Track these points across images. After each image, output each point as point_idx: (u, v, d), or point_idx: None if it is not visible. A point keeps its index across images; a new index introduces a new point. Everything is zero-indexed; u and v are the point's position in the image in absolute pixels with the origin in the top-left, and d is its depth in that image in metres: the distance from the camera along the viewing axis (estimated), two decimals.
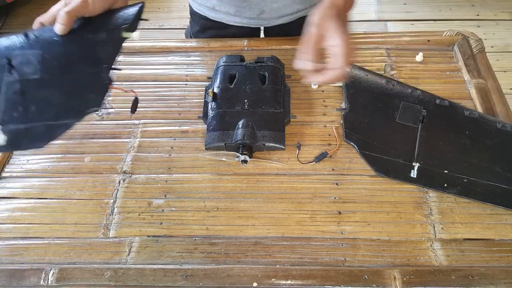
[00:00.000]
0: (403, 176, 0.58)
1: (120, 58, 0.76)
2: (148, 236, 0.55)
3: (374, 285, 0.49)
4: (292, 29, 0.80)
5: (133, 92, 0.57)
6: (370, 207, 0.56)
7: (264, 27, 0.84)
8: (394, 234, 0.54)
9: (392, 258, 0.52)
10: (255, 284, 0.50)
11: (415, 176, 0.57)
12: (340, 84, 0.68)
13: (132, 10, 0.55)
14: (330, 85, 0.69)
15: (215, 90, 0.64)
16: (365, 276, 0.50)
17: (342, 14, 0.52)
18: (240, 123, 0.60)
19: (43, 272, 0.51)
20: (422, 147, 0.59)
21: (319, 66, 0.52)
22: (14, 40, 0.54)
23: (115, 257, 0.53)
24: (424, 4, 1.92)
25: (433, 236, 0.53)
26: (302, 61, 0.52)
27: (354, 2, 0.55)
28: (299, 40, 0.76)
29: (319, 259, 0.52)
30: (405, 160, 0.59)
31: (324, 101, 0.68)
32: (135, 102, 0.55)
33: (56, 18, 0.52)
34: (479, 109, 0.65)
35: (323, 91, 0.69)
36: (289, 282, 0.50)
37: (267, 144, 0.59)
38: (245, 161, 0.60)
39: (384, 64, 0.72)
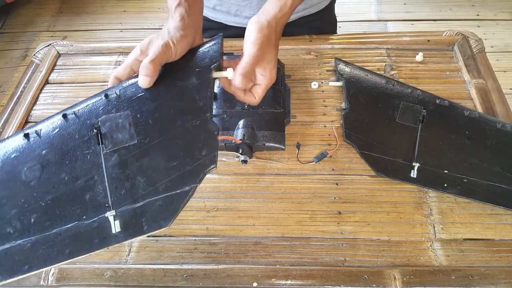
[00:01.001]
0: (403, 176, 0.58)
1: (119, 58, 0.76)
2: (148, 236, 0.55)
3: (374, 285, 0.49)
4: (292, 29, 0.80)
5: (237, 141, 0.54)
6: (370, 207, 0.56)
7: None
8: (394, 234, 0.54)
9: (392, 258, 0.52)
10: (255, 284, 0.50)
11: (415, 176, 0.57)
12: (340, 84, 0.68)
13: (215, 47, 0.49)
14: (330, 84, 0.69)
15: (215, 90, 0.64)
16: (365, 276, 0.50)
17: (279, 37, 0.54)
18: (240, 123, 0.60)
19: (43, 272, 0.51)
20: (422, 147, 0.59)
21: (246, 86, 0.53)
22: (93, 103, 0.46)
23: (115, 257, 0.53)
24: (424, 4, 1.92)
25: (433, 236, 0.53)
26: (239, 78, 0.49)
27: (290, 15, 0.56)
28: (300, 40, 0.76)
29: (319, 259, 0.52)
30: (405, 160, 0.59)
31: (324, 101, 0.68)
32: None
33: (139, 70, 0.46)
34: (479, 109, 0.65)
35: (323, 91, 0.69)
36: (289, 282, 0.50)
37: (267, 144, 0.59)
38: (245, 161, 0.59)
39: (384, 64, 0.72)
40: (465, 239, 0.53)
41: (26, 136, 0.45)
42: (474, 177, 0.57)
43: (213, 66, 0.48)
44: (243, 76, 0.49)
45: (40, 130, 0.45)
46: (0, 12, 1.97)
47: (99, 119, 0.45)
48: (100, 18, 1.96)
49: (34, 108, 0.70)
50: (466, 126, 0.62)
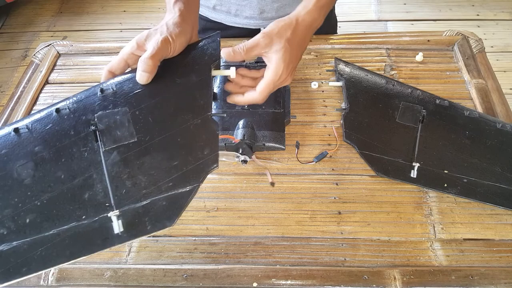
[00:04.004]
0: (403, 176, 0.58)
1: None
2: (148, 236, 0.55)
3: (374, 285, 0.49)
4: None
5: (235, 140, 0.53)
6: (370, 207, 0.56)
7: (264, 28, 0.84)
8: (394, 234, 0.54)
9: (392, 258, 0.52)
10: (255, 284, 0.50)
11: (415, 176, 0.57)
12: (340, 84, 0.68)
13: (214, 45, 0.48)
14: (330, 84, 0.69)
15: (215, 90, 0.64)
16: (365, 276, 0.50)
17: (302, 35, 0.50)
18: (240, 123, 0.60)
19: (43, 272, 0.51)
20: (422, 147, 0.59)
21: (244, 83, 0.52)
22: (87, 97, 0.44)
23: (115, 257, 0.53)
24: (424, 4, 1.92)
25: (433, 236, 0.53)
26: (230, 58, 0.49)
27: (322, 21, 0.54)
28: None
29: (319, 259, 0.52)
30: (405, 160, 0.59)
31: (324, 101, 0.68)
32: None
33: (138, 65, 0.44)
34: (479, 109, 0.65)
35: (323, 91, 0.69)
36: (289, 282, 0.50)
37: (267, 144, 0.59)
38: (245, 161, 0.59)
39: (384, 64, 0.72)
40: (465, 239, 0.53)
41: (16, 131, 0.42)
42: (474, 177, 0.57)
43: (213, 64, 0.47)
44: (240, 50, 0.48)
45: (31, 124, 0.43)
46: (0, 12, 1.97)
47: (96, 115, 0.42)
48: (100, 18, 1.96)
49: (34, 108, 0.70)
50: (466, 126, 0.62)
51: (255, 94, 0.50)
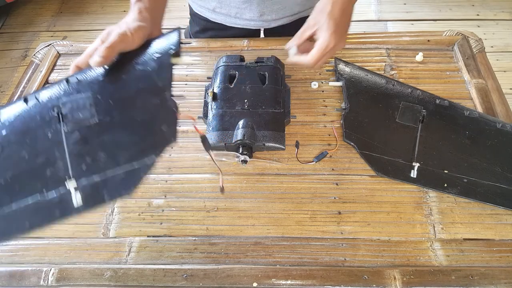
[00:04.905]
0: (403, 176, 0.58)
1: None
2: (148, 236, 0.55)
3: (374, 285, 0.49)
4: (292, 30, 0.80)
5: (193, 119, 0.55)
6: (370, 207, 0.56)
7: (263, 28, 0.84)
8: (394, 234, 0.54)
9: (392, 258, 0.52)
10: (255, 284, 0.50)
11: (415, 176, 0.57)
12: (340, 84, 0.68)
13: (174, 36, 0.52)
14: (330, 84, 0.69)
15: (215, 90, 0.64)
16: (365, 276, 0.50)
17: (342, 5, 0.56)
18: (240, 123, 0.60)
19: (43, 272, 0.51)
20: (422, 147, 0.59)
21: (302, 49, 0.58)
22: (55, 89, 0.48)
23: (115, 257, 0.53)
24: (424, 4, 1.92)
25: (433, 236, 0.53)
26: (289, 42, 0.59)
27: None
28: None
29: (319, 259, 0.52)
30: (405, 160, 0.59)
31: (324, 101, 0.68)
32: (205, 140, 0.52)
33: (96, 51, 0.48)
34: (479, 109, 0.65)
35: (323, 91, 0.69)
36: (289, 282, 0.50)
37: (267, 144, 0.59)
38: (245, 161, 0.59)
39: (384, 64, 0.72)
40: (465, 239, 0.53)
41: None
42: (474, 177, 0.57)
43: (172, 51, 0.49)
44: (297, 38, 0.59)
45: (0, 113, 0.47)
46: (0, 12, 1.97)
47: (61, 102, 0.46)
48: (100, 18, 1.96)
49: None
50: (466, 126, 0.62)
51: (308, 57, 0.56)
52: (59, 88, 0.48)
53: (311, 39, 0.58)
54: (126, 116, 0.45)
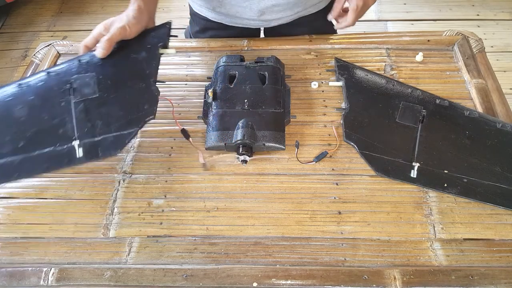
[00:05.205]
0: (403, 176, 0.58)
1: None
2: (148, 236, 0.55)
3: (374, 285, 0.49)
4: (292, 29, 0.80)
5: (170, 101, 0.66)
6: (370, 207, 0.56)
7: (264, 27, 0.84)
8: (394, 234, 0.54)
9: (392, 258, 0.52)
10: (255, 284, 0.50)
11: (415, 176, 0.57)
12: (340, 84, 0.68)
13: (163, 30, 0.64)
14: (330, 84, 0.69)
15: (215, 90, 0.64)
16: (365, 276, 0.50)
17: None
18: (240, 123, 0.60)
19: (43, 272, 0.51)
20: (422, 147, 0.59)
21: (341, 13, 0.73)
22: (69, 65, 0.62)
23: (115, 257, 0.53)
24: (424, 4, 1.92)
25: (433, 236, 0.53)
26: (330, 15, 0.74)
27: None
28: (299, 40, 0.76)
29: (319, 259, 0.52)
30: (405, 160, 0.59)
31: (324, 101, 0.68)
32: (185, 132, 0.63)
33: (98, 44, 0.60)
34: (479, 109, 0.65)
35: (323, 91, 0.69)
36: (289, 282, 0.50)
37: (267, 144, 0.59)
38: (245, 161, 0.59)
39: (384, 64, 0.72)
40: (465, 239, 0.53)
41: (20, 85, 0.60)
42: (474, 177, 0.57)
43: (160, 44, 0.63)
44: (338, 6, 0.73)
45: (29, 82, 0.61)
46: (0, 12, 1.97)
47: (72, 77, 0.60)
48: (100, 18, 1.96)
49: None
50: (466, 126, 0.62)
51: (349, 20, 0.71)
52: (73, 65, 0.61)
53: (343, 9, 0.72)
54: (119, 94, 0.59)
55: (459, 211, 0.55)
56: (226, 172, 0.60)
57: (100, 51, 0.60)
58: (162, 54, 0.62)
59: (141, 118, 0.57)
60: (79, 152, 0.55)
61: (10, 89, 0.60)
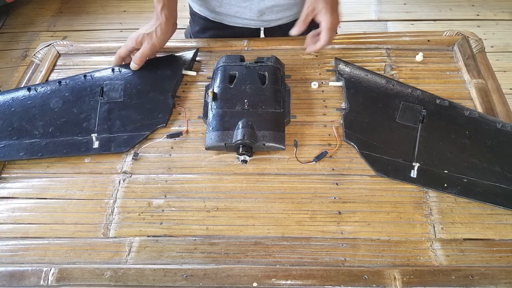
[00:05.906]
0: (403, 176, 0.58)
1: None
2: (148, 236, 0.55)
3: (374, 285, 0.49)
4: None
5: (183, 108, 0.69)
6: (370, 207, 0.56)
7: (264, 27, 0.84)
8: (394, 234, 0.54)
9: (392, 258, 0.52)
10: (255, 284, 0.50)
11: (415, 176, 0.57)
12: (340, 84, 0.68)
13: (190, 54, 0.74)
14: (330, 84, 0.69)
15: (215, 90, 0.64)
16: (365, 276, 0.50)
17: None
18: (240, 123, 0.60)
19: (43, 272, 0.51)
20: (422, 147, 0.59)
21: (312, 35, 0.68)
22: (104, 72, 0.72)
23: (115, 257, 0.53)
24: (424, 4, 1.92)
25: (433, 236, 0.53)
26: (293, 30, 0.66)
27: None
28: (299, 40, 0.76)
29: (319, 259, 0.52)
30: (405, 160, 0.59)
31: (324, 101, 0.68)
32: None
33: (133, 58, 0.70)
34: (479, 109, 0.65)
35: (323, 91, 0.69)
36: (289, 282, 0.50)
37: (267, 144, 0.59)
38: (245, 161, 0.60)
39: (384, 64, 0.72)
40: (465, 239, 0.53)
41: (59, 83, 0.70)
42: (474, 177, 0.57)
43: (184, 65, 0.72)
44: (301, 24, 0.66)
45: (68, 81, 0.71)
46: (0, 12, 1.97)
47: (104, 82, 0.70)
48: (100, 18, 1.96)
49: None
50: (466, 126, 0.62)
51: (322, 41, 0.64)
52: (107, 73, 0.72)
53: (312, 23, 0.66)
54: (139, 102, 0.68)
55: (459, 211, 0.55)
56: (226, 172, 0.60)
57: (133, 65, 0.70)
58: (185, 75, 0.72)
59: (153, 124, 0.65)
60: (95, 144, 0.63)
61: (51, 86, 0.70)
